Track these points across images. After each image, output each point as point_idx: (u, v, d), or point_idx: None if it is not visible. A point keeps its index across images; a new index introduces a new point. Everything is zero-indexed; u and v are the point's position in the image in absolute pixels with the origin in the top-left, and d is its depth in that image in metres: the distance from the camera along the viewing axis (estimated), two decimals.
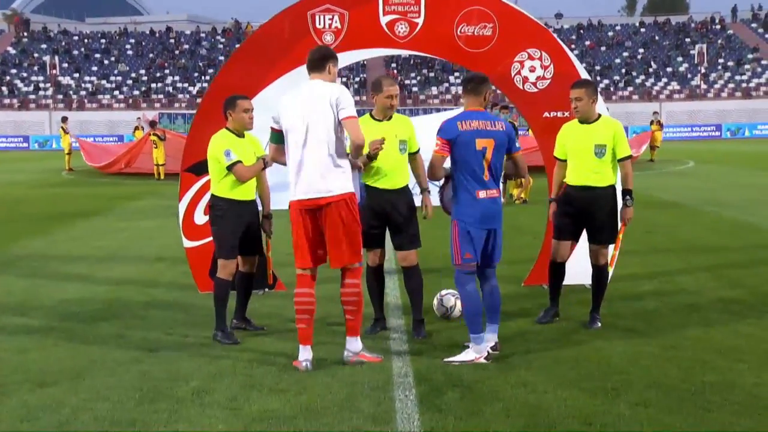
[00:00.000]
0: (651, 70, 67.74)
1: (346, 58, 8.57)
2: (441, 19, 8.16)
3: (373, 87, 6.69)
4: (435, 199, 6.54)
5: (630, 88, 65.59)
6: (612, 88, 65.32)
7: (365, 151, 6.08)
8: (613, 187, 6.75)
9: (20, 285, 8.86)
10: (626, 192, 6.72)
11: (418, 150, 6.80)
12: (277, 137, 5.80)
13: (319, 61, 5.78)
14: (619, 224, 6.79)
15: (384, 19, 8.16)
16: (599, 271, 6.83)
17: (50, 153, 51.37)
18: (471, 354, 5.82)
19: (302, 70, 8.06)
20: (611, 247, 6.85)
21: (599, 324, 6.74)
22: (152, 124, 26.87)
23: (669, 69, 67.60)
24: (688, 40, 71.04)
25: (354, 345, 5.79)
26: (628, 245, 9.37)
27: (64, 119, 33.65)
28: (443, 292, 7.21)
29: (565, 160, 6.88)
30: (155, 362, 5.92)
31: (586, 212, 6.71)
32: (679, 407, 4.90)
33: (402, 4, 8.14)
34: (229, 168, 6.40)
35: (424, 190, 6.77)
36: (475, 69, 8.62)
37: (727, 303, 7.56)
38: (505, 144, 5.95)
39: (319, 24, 8.17)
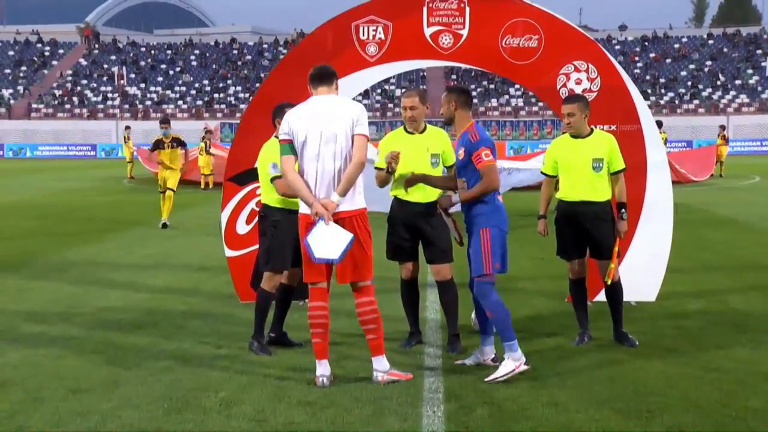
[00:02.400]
0: (719, 82, 66.21)
1: (389, 70, 8.57)
2: (485, 31, 8.07)
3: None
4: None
5: (696, 101, 64.22)
6: (677, 101, 64.05)
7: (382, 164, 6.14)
8: (609, 202, 6.65)
9: (67, 291, 9.02)
10: (621, 205, 6.64)
11: (454, 164, 6.72)
12: (291, 148, 5.65)
13: (327, 76, 5.74)
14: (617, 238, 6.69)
15: (428, 31, 8.11)
16: (612, 287, 6.68)
17: (115, 161, 52.49)
18: (510, 365, 5.69)
19: (345, 81, 8.18)
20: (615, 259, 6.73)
21: (633, 339, 6.57)
22: (208, 133, 27.17)
23: (738, 81, 65.97)
24: (759, 51, 69.22)
25: (381, 364, 5.67)
26: (678, 262, 9.15)
27: (127, 128, 34.38)
28: None
29: (555, 176, 6.83)
30: (187, 372, 5.95)
31: (585, 228, 6.60)
32: None
33: (446, 16, 8.08)
34: (272, 180, 6.44)
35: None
36: (520, 81, 8.56)
37: None
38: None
39: (363, 35, 8.15)
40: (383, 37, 8.15)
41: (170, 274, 10.13)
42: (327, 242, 5.48)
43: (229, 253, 8.26)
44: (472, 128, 5.95)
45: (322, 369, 5.63)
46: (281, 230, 6.45)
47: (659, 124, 26.37)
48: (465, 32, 8.08)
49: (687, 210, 16.18)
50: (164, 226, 14.79)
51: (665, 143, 25.94)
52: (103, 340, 6.88)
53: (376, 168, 6.51)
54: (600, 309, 7.21)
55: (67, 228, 15.14)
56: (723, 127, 33.16)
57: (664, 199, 7.97)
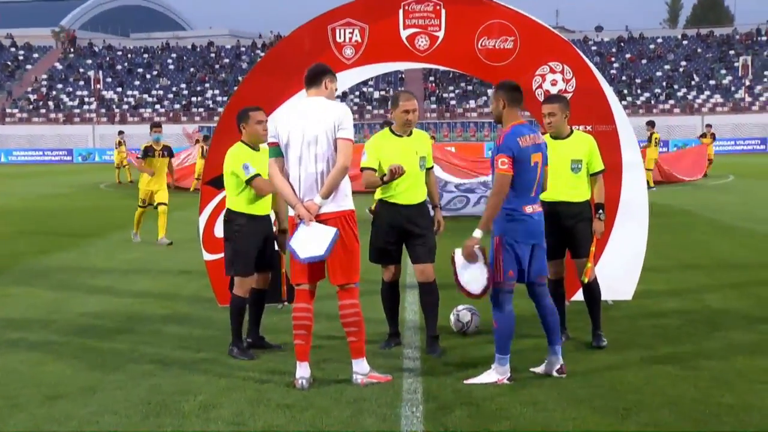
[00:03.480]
0: (693, 82, 66.88)
1: (366, 72, 8.59)
2: (461, 33, 8.11)
3: (391, 102, 6.67)
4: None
5: (671, 101, 64.80)
6: (653, 101, 64.60)
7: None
8: (588, 202, 6.70)
9: (46, 297, 8.97)
10: (599, 206, 6.66)
11: (433, 166, 6.77)
12: (277, 150, 5.70)
13: (315, 76, 5.73)
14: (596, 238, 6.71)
15: (404, 33, 8.13)
16: (589, 287, 6.70)
17: (93, 166, 52.23)
18: (493, 375, 5.65)
19: None
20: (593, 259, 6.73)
21: (605, 341, 6.60)
22: (206, 138, 27.10)
23: (712, 82, 66.66)
24: (732, 52, 69.98)
25: (361, 366, 5.67)
26: (655, 261, 9.24)
27: (121, 133, 33.62)
28: (460, 307, 7.14)
29: None
30: (166, 376, 5.94)
31: (564, 228, 6.62)
32: (692, 429, 4.78)
33: (422, 18, 8.11)
34: (249, 182, 6.38)
35: (436, 207, 6.75)
36: (496, 83, 8.57)
37: (752, 321, 7.37)
38: (546, 156, 5.87)
39: (340, 38, 8.17)
40: (360, 40, 8.17)
41: (150, 279, 10.10)
42: (311, 241, 5.49)
43: (207, 256, 8.24)
44: (508, 130, 5.66)
45: (302, 371, 5.63)
46: (245, 235, 6.45)
47: (652, 124, 26.14)
48: (441, 34, 8.12)
49: (663, 209, 16.34)
50: (169, 243, 13.34)
51: (658, 143, 25.62)
52: (83, 345, 6.86)
53: (364, 168, 6.48)
54: (577, 308, 7.25)
55: (47, 234, 15.04)
56: (709, 126, 32.97)
57: (639, 198, 8.05)
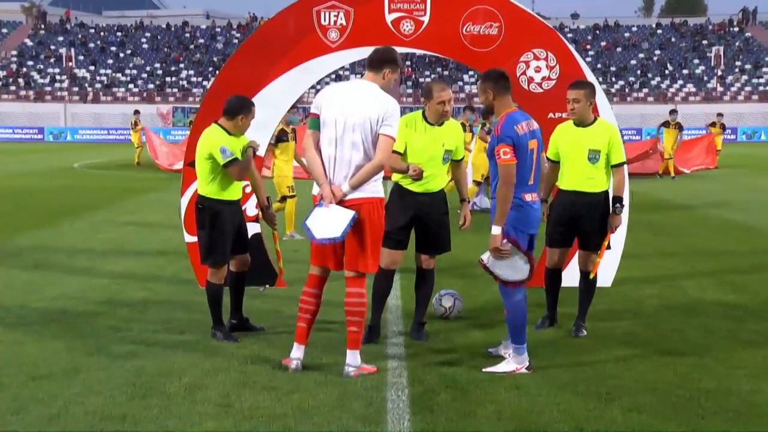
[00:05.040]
0: (667, 71, 67.38)
1: (351, 56, 8.55)
2: (447, 18, 8.12)
3: (424, 93, 6.44)
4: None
5: (645, 90, 65.26)
6: (627, 90, 65.01)
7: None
8: (606, 193, 6.57)
9: (22, 277, 8.88)
10: (616, 199, 6.50)
11: (463, 158, 6.67)
12: (316, 123, 5.51)
13: (377, 62, 5.53)
14: (608, 231, 6.56)
15: (389, 17, 8.13)
16: (588, 278, 6.66)
17: (65, 145, 51.66)
18: (511, 364, 5.61)
19: (306, 67, 8.21)
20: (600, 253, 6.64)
21: (584, 332, 6.58)
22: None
23: (685, 71, 67.20)
24: (705, 42, 70.58)
25: (356, 359, 5.56)
26: (633, 248, 9.34)
27: (137, 113, 32.00)
28: (442, 291, 7.17)
29: (557, 162, 6.68)
30: (150, 357, 5.92)
31: (577, 218, 6.53)
32: (672, 413, 4.86)
33: (408, 2, 8.11)
34: (226, 165, 6.24)
35: (464, 200, 6.67)
36: (480, 69, 8.58)
37: (728, 308, 7.50)
38: (542, 142, 5.79)
39: (324, 21, 8.14)
40: (345, 23, 8.15)
41: (129, 260, 10.02)
42: (328, 222, 5.35)
43: (189, 238, 8.20)
44: (503, 120, 5.58)
45: (298, 352, 5.62)
46: (220, 223, 6.36)
47: (675, 112, 25.01)
48: (426, 19, 8.12)
49: (641, 198, 16.49)
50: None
51: (681, 130, 24.08)
52: (63, 326, 6.80)
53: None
54: (561, 297, 7.29)
55: (19, 213, 14.85)
56: (720, 115, 30.08)
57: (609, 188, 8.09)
